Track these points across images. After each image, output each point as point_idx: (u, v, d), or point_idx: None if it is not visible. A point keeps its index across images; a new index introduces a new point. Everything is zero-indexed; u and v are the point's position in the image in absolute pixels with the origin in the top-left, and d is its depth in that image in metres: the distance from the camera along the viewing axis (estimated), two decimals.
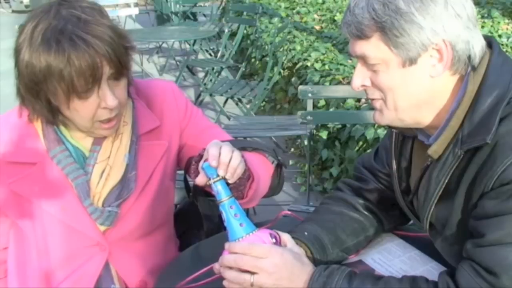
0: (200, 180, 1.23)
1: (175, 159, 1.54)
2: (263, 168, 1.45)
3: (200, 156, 1.29)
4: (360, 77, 1.18)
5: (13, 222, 1.47)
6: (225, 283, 1.18)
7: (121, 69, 1.29)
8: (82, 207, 1.39)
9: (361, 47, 1.14)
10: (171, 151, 1.51)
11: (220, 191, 1.19)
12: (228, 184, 1.22)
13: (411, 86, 1.14)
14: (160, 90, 1.54)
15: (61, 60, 1.21)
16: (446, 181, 1.16)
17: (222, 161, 1.20)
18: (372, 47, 1.12)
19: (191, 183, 1.61)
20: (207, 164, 1.20)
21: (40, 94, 1.28)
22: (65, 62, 1.21)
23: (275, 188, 1.54)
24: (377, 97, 1.17)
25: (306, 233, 1.33)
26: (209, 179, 1.20)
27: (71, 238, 1.42)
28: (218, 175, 1.19)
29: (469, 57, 1.12)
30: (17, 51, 1.28)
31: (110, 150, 1.41)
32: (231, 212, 1.18)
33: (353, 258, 1.39)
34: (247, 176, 1.33)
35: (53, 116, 1.32)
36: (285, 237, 1.25)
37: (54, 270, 1.44)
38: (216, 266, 1.21)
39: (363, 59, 1.16)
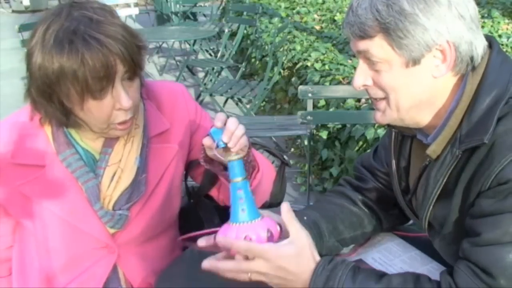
0: (207, 142, 1.25)
1: (184, 162, 1.54)
2: (267, 167, 1.47)
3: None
4: (362, 76, 1.18)
5: (19, 222, 1.47)
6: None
7: (134, 68, 1.28)
8: (92, 210, 1.39)
9: (365, 44, 1.14)
10: (180, 154, 1.51)
11: (234, 170, 1.19)
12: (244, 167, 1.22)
13: (414, 87, 1.14)
14: (170, 93, 1.53)
15: (75, 60, 1.21)
16: (444, 181, 1.16)
17: (227, 128, 1.22)
18: (376, 47, 1.12)
19: (190, 183, 1.62)
20: (214, 129, 1.23)
21: (53, 97, 1.27)
22: (79, 62, 1.21)
23: (277, 193, 1.55)
24: (380, 96, 1.17)
25: (305, 218, 1.33)
26: (219, 148, 1.21)
27: (79, 240, 1.42)
28: (223, 142, 1.21)
29: (471, 58, 1.13)
30: (29, 55, 1.27)
31: (121, 153, 1.40)
32: (237, 195, 1.17)
33: (353, 257, 1.40)
34: (252, 165, 1.34)
35: (66, 118, 1.31)
36: (291, 228, 1.19)
37: (61, 272, 1.44)
38: (205, 264, 1.20)
39: (365, 56, 1.15)
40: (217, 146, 1.23)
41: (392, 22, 1.09)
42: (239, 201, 1.17)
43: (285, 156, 1.54)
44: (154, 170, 1.45)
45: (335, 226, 1.36)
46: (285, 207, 1.20)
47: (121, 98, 1.27)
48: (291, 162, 4.28)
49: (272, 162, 1.54)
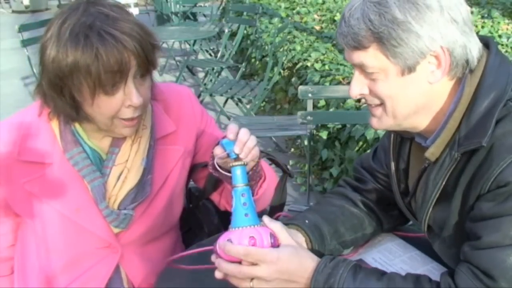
0: (218, 151, 1.26)
1: (189, 165, 1.54)
2: (271, 176, 1.48)
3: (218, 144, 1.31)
4: (358, 86, 1.18)
5: (23, 220, 1.47)
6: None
7: (147, 66, 1.29)
8: (97, 209, 1.40)
9: (358, 56, 1.14)
10: (186, 157, 1.51)
11: (237, 176, 1.19)
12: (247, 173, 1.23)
13: (410, 93, 1.14)
14: (177, 96, 1.54)
15: (89, 55, 1.21)
16: (444, 183, 1.16)
17: (239, 139, 1.24)
18: (370, 57, 1.12)
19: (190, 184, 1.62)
20: (226, 140, 1.24)
21: (64, 90, 1.27)
22: (93, 57, 1.21)
23: (277, 201, 1.56)
24: (377, 103, 1.17)
25: (307, 221, 1.33)
26: (231, 159, 1.22)
27: (83, 239, 1.42)
28: (235, 153, 1.22)
29: (467, 61, 1.12)
30: (43, 48, 1.27)
31: (128, 153, 1.41)
32: (241, 200, 1.18)
33: (353, 257, 1.40)
34: (259, 174, 1.36)
35: (76, 112, 1.31)
36: (281, 235, 1.20)
37: (62, 271, 1.45)
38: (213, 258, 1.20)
39: (361, 67, 1.15)
40: (228, 156, 1.24)
41: (385, 31, 1.08)
42: (243, 206, 1.17)
43: (288, 166, 1.55)
44: (159, 171, 1.46)
45: (336, 228, 1.36)
46: (266, 219, 1.20)
47: (132, 95, 1.27)
48: (291, 162, 4.28)
49: (270, 164, 1.55)
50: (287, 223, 1.34)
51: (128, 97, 1.28)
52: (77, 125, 1.39)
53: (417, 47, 1.09)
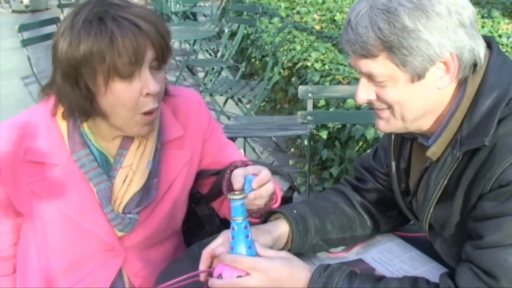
0: (238, 185, 1.24)
1: (195, 171, 1.53)
2: (279, 192, 1.48)
3: (231, 169, 1.32)
4: (365, 92, 1.16)
5: (26, 220, 1.46)
6: None
7: (165, 52, 1.27)
8: (101, 213, 1.38)
9: (366, 65, 1.12)
10: (192, 162, 1.50)
11: (238, 209, 1.17)
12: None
13: (419, 99, 1.13)
14: (185, 99, 1.52)
15: (103, 39, 1.19)
16: (445, 182, 1.16)
17: (260, 193, 1.24)
18: (379, 66, 1.11)
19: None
20: (251, 178, 1.25)
21: (79, 81, 1.25)
22: (107, 41, 1.19)
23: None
24: (384, 107, 1.17)
25: (294, 211, 1.33)
26: (228, 195, 1.20)
27: (86, 242, 1.41)
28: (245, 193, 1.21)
29: (474, 64, 1.12)
30: (55, 44, 1.26)
31: (134, 156, 1.39)
32: (244, 232, 1.17)
33: (353, 257, 1.40)
34: (271, 198, 1.36)
35: (91, 105, 1.28)
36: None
37: (64, 273, 1.44)
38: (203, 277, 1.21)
39: (369, 76, 1.14)
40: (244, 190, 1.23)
41: (396, 40, 1.07)
42: (245, 239, 1.18)
43: (295, 183, 1.55)
44: (165, 176, 1.44)
45: (323, 224, 1.36)
46: (261, 251, 1.19)
47: (148, 82, 1.25)
48: (291, 162, 4.28)
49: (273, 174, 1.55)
50: (275, 211, 1.35)
51: (145, 85, 1.26)
52: (85, 127, 1.37)
53: (427, 55, 1.08)
